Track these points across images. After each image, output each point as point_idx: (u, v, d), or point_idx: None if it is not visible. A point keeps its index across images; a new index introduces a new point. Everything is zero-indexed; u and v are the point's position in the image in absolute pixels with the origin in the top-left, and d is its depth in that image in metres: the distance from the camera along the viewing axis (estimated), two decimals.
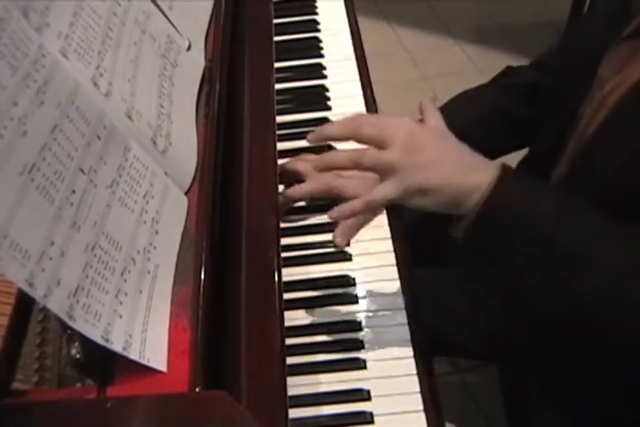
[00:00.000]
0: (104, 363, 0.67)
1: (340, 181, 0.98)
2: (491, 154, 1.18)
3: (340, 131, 0.82)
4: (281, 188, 0.98)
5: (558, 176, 1.02)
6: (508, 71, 1.18)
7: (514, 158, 1.21)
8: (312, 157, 1.04)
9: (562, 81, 1.03)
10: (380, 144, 0.78)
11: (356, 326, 0.92)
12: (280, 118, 1.09)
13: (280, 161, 0.96)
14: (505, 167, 0.79)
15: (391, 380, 0.87)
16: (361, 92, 1.21)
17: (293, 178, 1.02)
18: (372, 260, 0.99)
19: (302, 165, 1.02)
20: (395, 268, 0.98)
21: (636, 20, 0.90)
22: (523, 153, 1.19)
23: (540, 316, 0.88)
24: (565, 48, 1.07)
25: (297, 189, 1.00)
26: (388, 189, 0.77)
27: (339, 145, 1.12)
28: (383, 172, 0.77)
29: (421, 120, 0.86)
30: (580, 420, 1.00)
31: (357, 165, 0.79)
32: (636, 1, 0.90)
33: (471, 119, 1.13)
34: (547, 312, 0.84)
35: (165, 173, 0.80)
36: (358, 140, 0.80)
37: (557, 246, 0.77)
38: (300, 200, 1.02)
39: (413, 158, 0.77)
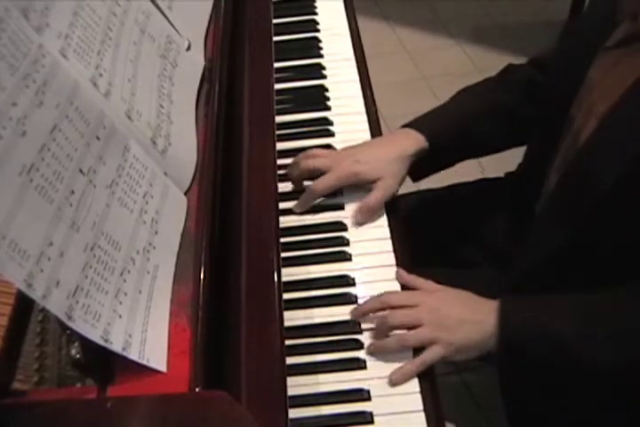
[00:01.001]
0: (104, 363, 0.67)
1: (357, 166, 1.03)
2: (494, 149, 1.19)
3: (377, 326, 0.92)
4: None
5: (552, 178, 1.02)
6: (510, 68, 1.19)
7: (513, 160, 1.22)
8: (321, 151, 1.07)
9: (556, 82, 1.03)
10: (414, 325, 0.90)
11: (355, 325, 0.92)
12: (280, 118, 1.10)
13: (280, 161, 0.96)
14: (500, 309, 0.90)
15: None
16: (360, 92, 1.21)
17: (311, 175, 1.05)
18: (372, 260, 0.99)
19: (318, 161, 1.04)
20: (395, 268, 0.98)
21: (620, 28, 0.91)
22: (519, 156, 1.20)
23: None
24: (559, 50, 1.08)
25: (322, 182, 1.02)
26: (439, 352, 0.89)
27: (338, 145, 1.13)
28: (428, 344, 0.89)
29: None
30: (580, 420, 1.00)
31: (405, 347, 0.90)
32: (619, 9, 0.90)
33: (475, 114, 1.14)
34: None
35: (165, 173, 0.80)
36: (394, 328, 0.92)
37: (556, 335, 0.88)
38: (327, 192, 1.04)
39: (445, 327, 0.90)
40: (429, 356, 0.88)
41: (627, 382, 0.92)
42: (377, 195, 1.02)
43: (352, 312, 0.93)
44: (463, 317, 0.91)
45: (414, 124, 1.10)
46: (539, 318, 0.90)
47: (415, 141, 1.07)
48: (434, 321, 0.90)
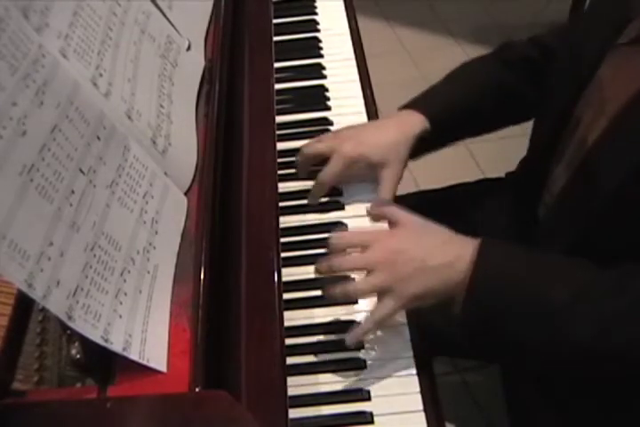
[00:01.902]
0: (104, 363, 0.67)
1: (361, 148, 1.02)
2: (494, 127, 1.18)
3: (323, 269, 0.87)
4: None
5: (558, 177, 1.02)
6: (509, 44, 1.18)
7: (513, 160, 1.21)
8: (323, 136, 1.07)
9: (558, 79, 1.03)
10: (367, 270, 0.85)
11: (355, 326, 0.92)
12: (280, 118, 1.09)
13: (280, 161, 0.96)
14: (480, 249, 0.84)
15: (391, 380, 0.87)
16: (361, 92, 1.21)
17: (315, 161, 1.04)
18: None
19: (320, 145, 1.04)
20: None
21: (634, 25, 0.90)
22: (520, 156, 1.20)
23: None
24: (563, 39, 1.07)
25: (329, 169, 1.02)
26: (390, 306, 0.83)
27: None
28: (379, 292, 0.84)
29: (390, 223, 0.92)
30: (581, 420, 1.00)
31: (352, 296, 0.88)
32: (634, 5, 0.90)
33: (477, 92, 1.13)
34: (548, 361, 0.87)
35: (165, 174, 0.80)
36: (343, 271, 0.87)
37: (544, 303, 0.81)
38: (336, 179, 1.03)
39: (399, 275, 0.83)
40: (380, 311, 0.83)
41: (606, 368, 0.86)
42: (387, 187, 1.02)
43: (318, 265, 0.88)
44: (424, 261, 0.83)
45: (415, 105, 1.09)
46: (522, 276, 0.83)
47: (418, 123, 1.06)
48: (388, 266, 0.83)
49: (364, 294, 0.86)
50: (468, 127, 1.15)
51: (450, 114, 1.09)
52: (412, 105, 1.10)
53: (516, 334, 0.83)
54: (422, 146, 1.08)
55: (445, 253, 0.85)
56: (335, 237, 0.89)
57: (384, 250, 0.85)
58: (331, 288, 0.86)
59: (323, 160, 1.03)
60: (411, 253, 0.84)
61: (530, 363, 0.92)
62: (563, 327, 0.81)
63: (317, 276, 0.90)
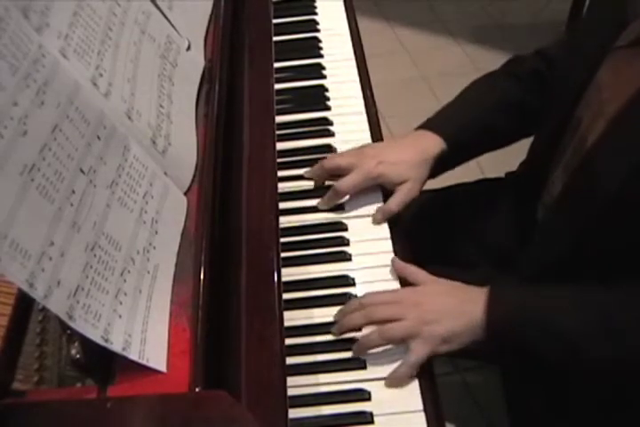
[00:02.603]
0: (104, 363, 0.67)
1: (382, 167, 1.04)
2: (509, 141, 1.19)
3: (357, 321, 0.91)
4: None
5: (558, 178, 1.02)
6: (516, 59, 1.19)
7: (513, 160, 1.21)
8: (345, 152, 1.09)
9: (562, 82, 1.03)
10: (396, 319, 0.89)
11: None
12: (280, 118, 1.10)
13: (280, 161, 0.96)
14: (490, 295, 0.89)
15: (391, 380, 0.87)
16: (360, 93, 1.21)
17: (334, 173, 1.05)
18: (372, 260, 0.99)
19: (342, 159, 1.05)
20: None
21: (633, 27, 0.90)
22: (519, 156, 1.20)
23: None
24: (565, 49, 1.07)
25: (348, 181, 1.03)
26: (421, 350, 0.87)
27: (338, 145, 1.13)
28: (409, 338, 0.88)
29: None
30: (581, 420, 1.00)
31: (387, 339, 0.89)
32: (632, 8, 0.90)
33: (490, 110, 1.14)
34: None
35: (165, 174, 0.80)
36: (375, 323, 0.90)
37: (560, 333, 0.87)
38: (352, 191, 1.04)
39: (426, 319, 0.88)
40: (415, 354, 0.87)
41: (622, 380, 0.92)
42: (398, 199, 1.03)
43: (336, 315, 0.93)
44: (447, 308, 0.90)
45: (430, 126, 1.10)
46: (529, 306, 0.89)
47: (436, 144, 1.07)
48: (416, 315, 0.89)
49: (398, 337, 0.89)
50: (485, 144, 1.17)
51: (465, 133, 1.10)
52: (428, 126, 1.11)
53: (538, 357, 0.89)
54: (441, 165, 1.09)
55: (464, 300, 0.91)
56: (371, 295, 0.93)
57: (410, 303, 0.91)
58: (366, 336, 0.89)
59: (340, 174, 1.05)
60: (434, 304, 0.90)
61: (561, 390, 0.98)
62: (582, 351, 0.86)
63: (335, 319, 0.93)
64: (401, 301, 0.91)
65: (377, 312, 0.90)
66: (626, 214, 0.86)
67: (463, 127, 1.11)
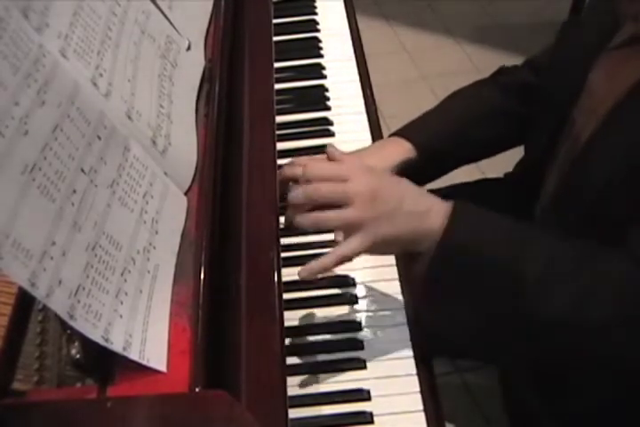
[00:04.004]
0: (104, 363, 0.67)
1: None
2: (493, 152, 1.19)
3: (297, 200, 0.82)
4: None
5: (553, 178, 1.02)
6: (503, 70, 1.19)
7: (513, 161, 1.22)
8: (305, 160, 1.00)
9: (553, 85, 1.03)
10: (341, 203, 0.80)
11: (355, 326, 0.92)
12: (280, 118, 1.10)
13: (280, 161, 0.96)
14: (455, 207, 0.82)
15: (391, 380, 0.87)
16: (360, 92, 1.22)
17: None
18: (372, 260, 0.99)
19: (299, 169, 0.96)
20: (395, 268, 0.98)
21: (623, 29, 0.91)
22: (519, 156, 1.20)
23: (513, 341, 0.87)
24: (556, 52, 1.08)
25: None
26: (356, 244, 0.80)
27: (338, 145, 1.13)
28: (349, 229, 0.80)
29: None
30: (580, 420, 1.00)
31: (322, 226, 0.81)
32: (621, 11, 0.90)
33: (469, 117, 1.13)
34: (516, 338, 0.85)
35: (165, 173, 0.80)
36: (317, 202, 0.81)
37: (515, 276, 0.79)
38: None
39: (375, 213, 0.79)
40: (344, 248, 0.79)
41: (622, 380, 0.90)
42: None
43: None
44: (400, 204, 0.80)
45: (403, 133, 1.08)
46: (498, 239, 0.80)
47: (402, 152, 1.05)
48: (366, 201, 0.79)
49: (333, 226, 0.80)
50: (465, 153, 1.15)
51: (440, 141, 1.08)
52: (401, 132, 1.09)
53: (480, 302, 0.81)
54: (426, 171, 1.07)
55: (421, 202, 0.82)
56: (309, 165, 0.83)
57: (364, 185, 0.80)
58: (301, 217, 0.81)
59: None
60: (388, 194, 0.81)
61: (492, 340, 0.88)
62: (533, 301, 0.78)
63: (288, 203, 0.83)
64: (353, 180, 0.80)
65: (319, 191, 0.80)
66: (615, 213, 0.87)
67: (438, 134, 1.09)
